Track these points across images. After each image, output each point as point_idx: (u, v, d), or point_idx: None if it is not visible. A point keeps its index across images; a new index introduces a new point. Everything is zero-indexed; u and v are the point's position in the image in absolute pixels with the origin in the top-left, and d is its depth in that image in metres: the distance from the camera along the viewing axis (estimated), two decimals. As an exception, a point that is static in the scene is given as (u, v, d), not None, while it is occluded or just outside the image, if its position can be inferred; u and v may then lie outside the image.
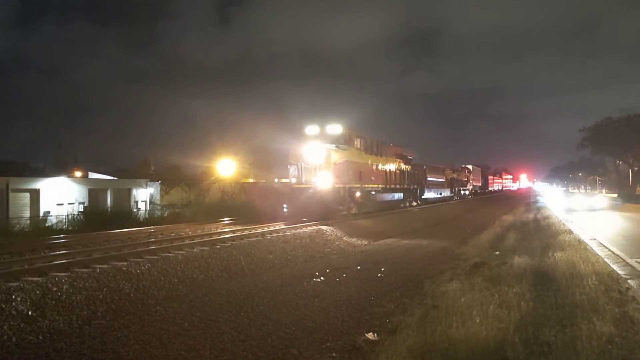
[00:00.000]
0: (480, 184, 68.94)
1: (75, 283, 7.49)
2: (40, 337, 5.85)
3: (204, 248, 11.10)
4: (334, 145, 19.55)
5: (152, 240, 12.64)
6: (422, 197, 34.25)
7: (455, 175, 49.17)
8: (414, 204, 32.07)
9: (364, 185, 21.56)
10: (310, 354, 5.46)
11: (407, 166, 29.82)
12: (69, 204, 22.86)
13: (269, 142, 26.66)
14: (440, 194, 41.05)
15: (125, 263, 9.02)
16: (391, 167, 26.28)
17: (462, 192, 53.57)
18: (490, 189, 79.33)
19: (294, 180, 19.29)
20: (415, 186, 31.99)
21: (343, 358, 5.36)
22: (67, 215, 19.74)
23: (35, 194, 23.12)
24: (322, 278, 9.53)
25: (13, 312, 6.26)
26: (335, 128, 20.19)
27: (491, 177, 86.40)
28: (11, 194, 21.91)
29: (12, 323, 6.03)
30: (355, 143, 21.34)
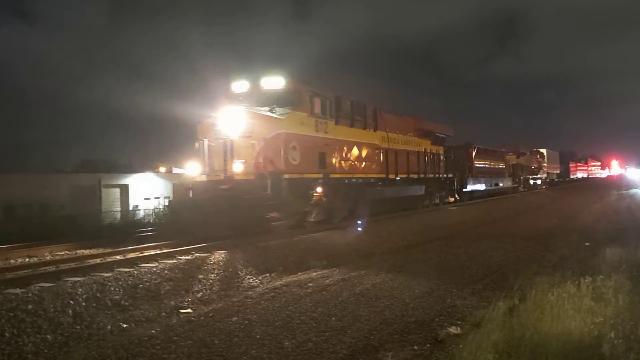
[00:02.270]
0: (558, 171, 60.71)
1: (162, 274, 7.86)
2: (133, 325, 6.16)
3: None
4: (268, 108, 12.52)
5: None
6: (466, 189, 26.43)
7: (521, 161, 40.11)
8: (450, 200, 24.70)
9: (333, 176, 14.11)
10: None
11: (435, 147, 21.91)
12: (155, 198, 23.90)
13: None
14: (496, 184, 32.71)
15: (209, 254, 9.35)
16: (401, 148, 18.62)
17: (532, 181, 44.31)
18: (572, 176, 71.62)
19: (197, 170, 12.57)
20: (451, 175, 24.07)
21: None
22: (154, 209, 20.73)
23: (124, 189, 24.41)
24: None
25: (108, 301, 6.66)
26: (275, 82, 13.07)
27: (574, 163, 77.37)
28: (103, 190, 23.26)
29: (106, 312, 6.41)
30: (312, 106, 13.42)
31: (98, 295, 6.68)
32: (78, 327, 5.84)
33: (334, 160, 14.25)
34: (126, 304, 6.70)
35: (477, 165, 29.28)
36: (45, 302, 6.12)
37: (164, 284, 7.58)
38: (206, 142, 12.23)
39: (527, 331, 4.91)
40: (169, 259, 8.82)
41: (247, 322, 6.17)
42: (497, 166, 33.79)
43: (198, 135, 12.66)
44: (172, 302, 7.10)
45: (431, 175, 21.37)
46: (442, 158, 22.91)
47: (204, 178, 12.35)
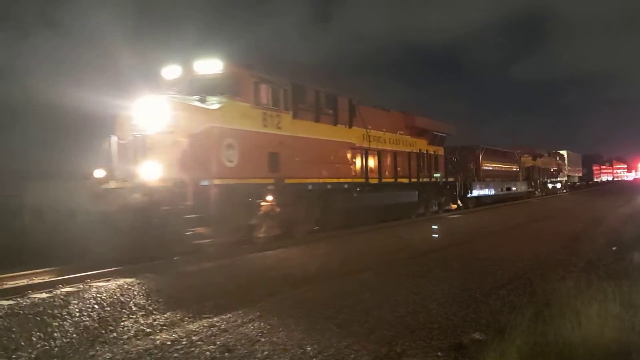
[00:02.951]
0: (580, 174, 57.52)
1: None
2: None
3: None
4: (198, 97, 10.14)
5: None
6: (471, 195, 23.97)
7: (538, 163, 37.28)
8: (452, 207, 22.13)
9: (290, 181, 11.69)
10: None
11: (433, 148, 19.53)
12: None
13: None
14: (508, 189, 29.83)
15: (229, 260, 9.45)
16: (387, 148, 16.27)
17: (550, 185, 41.03)
18: (596, 179, 68.21)
19: (104, 175, 9.92)
20: (452, 179, 21.53)
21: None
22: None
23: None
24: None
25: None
26: (211, 66, 10.81)
27: (597, 166, 72.98)
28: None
29: (131, 317, 6.55)
30: (258, 95, 11.03)
31: None
32: None
33: (291, 162, 11.74)
34: None
35: (486, 168, 26.99)
36: None
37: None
38: (115, 139, 9.84)
39: (553, 337, 4.84)
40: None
41: None
42: (509, 169, 31.39)
43: (114, 132, 10.07)
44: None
45: (427, 180, 18.82)
46: (441, 160, 20.61)
47: (112, 185, 9.75)
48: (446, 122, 21.74)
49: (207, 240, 9.48)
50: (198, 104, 10.03)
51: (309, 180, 12.43)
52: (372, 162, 15.33)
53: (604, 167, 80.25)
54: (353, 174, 14.36)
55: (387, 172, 16.17)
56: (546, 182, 40.03)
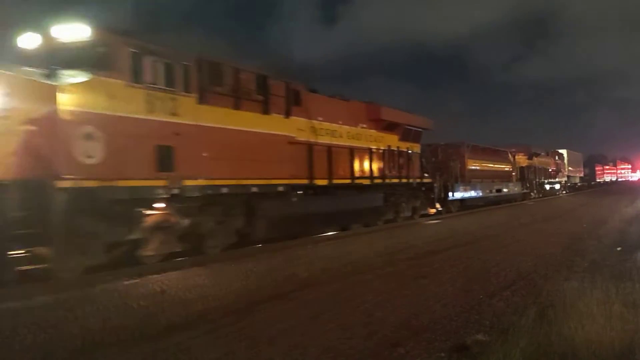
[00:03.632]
0: (582, 175, 55.72)
1: (188, 281, 7.94)
2: (162, 330, 6.20)
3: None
4: (46, 70, 7.84)
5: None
6: (453, 197, 21.80)
7: (534, 163, 35.37)
8: (430, 211, 19.78)
9: (191, 183, 9.53)
10: None
11: (406, 144, 17.51)
12: None
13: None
14: (499, 190, 27.61)
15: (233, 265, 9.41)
16: (341, 143, 14.16)
17: (548, 186, 39.16)
18: (599, 180, 66.75)
19: None
20: (430, 180, 19.41)
21: None
22: None
23: None
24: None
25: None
26: (76, 32, 8.34)
27: (600, 166, 71.70)
28: None
29: (134, 316, 6.49)
30: (138, 70, 8.75)
31: None
32: None
33: (194, 159, 9.46)
34: None
35: (472, 167, 24.84)
36: None
37: None
38: None
39: (556, 338, 4.82)
40: None
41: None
42: (501, 169, 29.20)
43: None
44: None
45: (396, 180, 16.68)
46: (417, 158, 18.74)
47: None
48: (422, 115, 19.66)
49: (40, 266, 7.22)
50: (44, 80, 7.60)
51: (223, 182, 10.06)
52: (319, 160, 13.04)
53: (607, 167, 79.07)
54: (292, 173, 11.97)
55: (341, 172, 14.02)
56: (543, 183, 38.32)
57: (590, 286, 6.96)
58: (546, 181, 39.27)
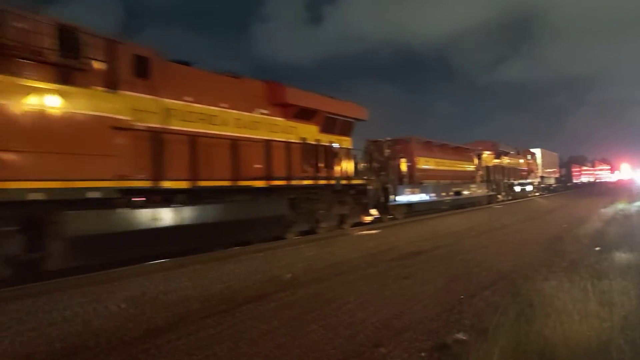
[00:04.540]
0: (557, 176, 53.26)
1: (169, 283, 7.89)
2: (143, 332, 6.16)
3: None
4: None
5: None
6: (396, 202, 18.45)
7: (502, 163, 32.46)
8: (364, 219, 16.40)
9: None
10: None
11: (330, 137, 14.70)
12: None
13: None
14: (459, 192, 24.28)
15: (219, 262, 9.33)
16: (219, 132, 11.08)
17: (519, 187, 36.26)
18: (576, 181, 64.43)
19: None
20: (362, 182, 16.29)
21: None
22: None
23: None
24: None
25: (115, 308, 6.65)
26: None
27: (578, 167, 69.33)
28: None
29: (115, 318, 6.43)
30: None
31: None
32: None
33: None
34: None
35: (423, 167, 21.83)
36: None
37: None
38: None
39: (535, 337, 4.89)
40: None
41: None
42: (461, 169, 26.09)
43: None
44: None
45: (310, 182, 13.47)
46: (347, 155, 15.54)
47: None
48: (352, 103, 16.17)
49: None
50: None
51: None
52: (179, 155, 9.84)
53: (584, 167, 76.97)
54: (120, 172, 8.83)
55: (218, 171, 10.75)
56: (513, 185, 35.12)
57: (569, 285, 7.07)
58: (516, 182, 35.97)
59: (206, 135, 10.62)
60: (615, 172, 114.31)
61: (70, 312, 6.38)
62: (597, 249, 11.44)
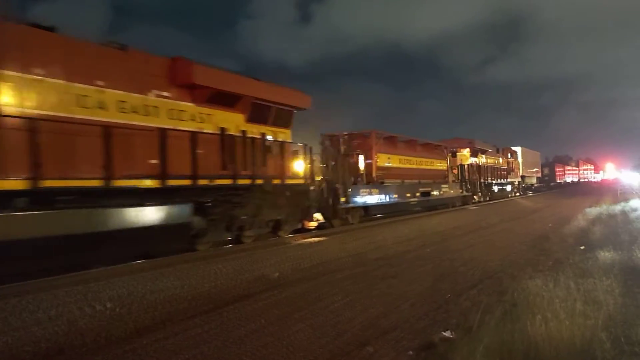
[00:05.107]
0: (540, 175, 52.32)
1: (156, 283, 7.85)
2: (130, 332, 6.13)
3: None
4: None
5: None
6: (350, 204, 16.60)
7: (478, 161, 30.65)
8: (308, 225, 15.10)
9: None
10: None
11: (260, 128, 12.67)
12: None
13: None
14: (427, 193, 22.51)
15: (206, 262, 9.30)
16: (94, 115, 8.96)
17: (497, 188, 34.53)
18: (559, 181, 63.69)
19: None
20: (306, 181, 14.33)
21: None
22: None
23: None
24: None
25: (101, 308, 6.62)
26: None
27: (561, 166, 68.59)
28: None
29: (101, 318, 6.39)
30: None
31: None
32: None
33: None
34: None
35: (385, 165, 19.80)
36: None
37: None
38: None
39: (520, 335, 4.94)
40: None
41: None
42: (430, 167, 24.14)
43: None
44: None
45: (228, 182, 11.29)
46: (286, 150, 13.42)
47: None
48: (290, 88, 14.09)
49: None
50: None
51: None
52: (15, 145, 7.71)
53: (568, 167, 76.48)
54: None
55: (82, 167, 8.63)
56: (491, 185, 33.32)
57: (554, 284, 7.15)
58: (494, 182, 34.03)
59: (66, 121, 8.38)
60: (600, 171, 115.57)
61: (55, 312, 6.33)
62: (582, 247, 11.59)
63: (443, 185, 24.99)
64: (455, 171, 27.59)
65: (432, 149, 25.24)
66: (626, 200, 28.67)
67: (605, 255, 9.44)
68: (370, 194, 18.23)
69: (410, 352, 5.38)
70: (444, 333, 5.79)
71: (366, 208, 18.23)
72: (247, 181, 12.04)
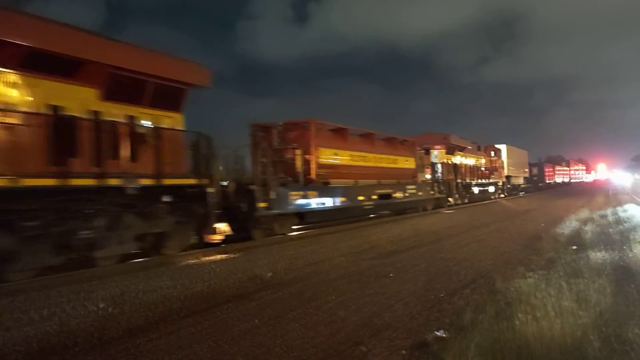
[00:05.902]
0: (527, 175, 49.94)
1: (150, 282, 7.83)
2: (122, 332, 6.11)
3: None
4: None
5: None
6: (277, 210, 13.34)
7: (455, 159, 27.67)
8: (212, 237, 11.24)
9: None
10: None
11: (121, 107, 9.45)
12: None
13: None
14: (385, 196, 19.15)
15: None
16: None
17: (478, 189, 31.46)
18: (549, 181, 61.57)
19: None
20: (198, 182, 11.00)
21: None
22: None
23: None
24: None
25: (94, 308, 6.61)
26: None
27: (550, 166, 66.19)
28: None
29: (94, 318, 6.36)
30: None
31: None
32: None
33: None
34: None
35: (330, 162, 16.34)
36: None
37: None
38: None
39: (512, 334, 4.98)
40: None
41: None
42: (393, 165, 20.64)
43: None
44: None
45: (54, 182, 8.19)
46: (173, 140, 10.50)
47: None
48: (181, 58, 11.14)
49: None
50: None
51: None
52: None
53: (559, 167, 74.26)
54: None
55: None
56: (470, 185, 30.16)
57: (546, 283, 7.20)
58: (474, 182, 30.86)
59: None
60: (592, 172, 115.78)
61: (47, 312, 6.31)
62: (574, 247, 11.66)
63: (409, 187, 21.64)
64: (428, 170, 24.93)
65: (396, 144, 21.62)
66: (620, 204, 27.58)
67: (597, 255, 9.51)
68: (305, 197, 14.65)
69: (404, 352, 5.39)
70: (437, 332, 5.81)
71: (303, 215, 14.96)
72: (90, 182, 8.74)
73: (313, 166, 15.70)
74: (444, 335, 5.68)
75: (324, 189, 15.79)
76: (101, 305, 6.71)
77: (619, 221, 17.38)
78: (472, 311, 6.47)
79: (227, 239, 11.77)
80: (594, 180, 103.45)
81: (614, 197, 36.35)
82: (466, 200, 29.05)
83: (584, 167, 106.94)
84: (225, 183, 12.70)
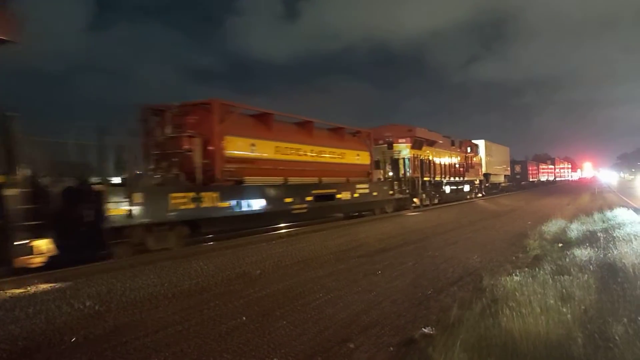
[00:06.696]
0: (508, 173, 47.27)
1: (137, 280, 7.78)
2: (109, 330, 6.06)
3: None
4: None
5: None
6: (128, 219, 9.52)
7: (423, 155, 24.48)
8: (28, 263, 7.81)
9: None
10: None
11: None
12: None
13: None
14: (327, 197, 16.01)
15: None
16: None
17: (450, 188, 28.32)
18: (532, 180, 59.51)
19: None
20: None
21: None
22: None
23: None
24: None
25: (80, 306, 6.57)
26: None
27: (534, 164, 64.19)
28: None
29: (80, 316, 6.32)
30: None
31: None
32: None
33: None
34: None
35: (245, 155, 13.19)
36: None
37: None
38: None
39: (498, 331, 5.03)
40: None
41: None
42: (339, 161, 17.59)
43: None
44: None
45: None
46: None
47: None
48: None
49: None
50: None
51: None
52: None
53: (543, 165, 71.70)
54: None
55: None
56: (441, 184, 27.09)
57: (532, 280, 7.27)
58: (445, 181, 27.78)
59: None
60: (578, 170, 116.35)
61: (33, 310, 6.24)
62: (560, 245, 11.79)
63: (360, 186, 18.25)
64: (389, 166, 22.14)
65: (345, 136, 18.41)
66: (605, 202, 27.17)
67: (583, 252, 9.60)
68: (197, 200, 11.16)
69: (391, 348, 5.43)
70: (424, 329, 5.85)
71: (195, 224, 11.46)
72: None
73: (217, 160, 12.24)
74: (431, 332, 5.73)
75: (233, 190, 12.43)
76: (87, 303, 6.65)
77: (604, 219, 17.57)
78: (459, 308, 6.53)
79: (61, 261, 8.47)
80: (580, 179, 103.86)
81: (599, 196, 36.71)
82: (436, 201, 26.15)
83: (570, 166, 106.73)
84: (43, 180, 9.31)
